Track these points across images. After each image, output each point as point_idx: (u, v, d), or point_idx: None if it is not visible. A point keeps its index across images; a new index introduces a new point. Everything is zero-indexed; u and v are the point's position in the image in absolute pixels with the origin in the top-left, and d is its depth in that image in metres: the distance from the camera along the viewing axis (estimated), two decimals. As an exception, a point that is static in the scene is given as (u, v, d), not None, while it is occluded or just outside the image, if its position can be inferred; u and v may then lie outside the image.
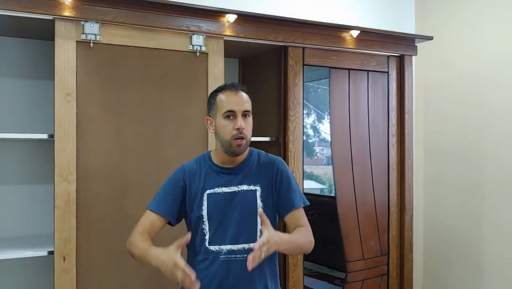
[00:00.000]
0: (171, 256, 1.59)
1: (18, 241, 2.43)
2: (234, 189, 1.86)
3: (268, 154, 1.98)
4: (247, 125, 1.83)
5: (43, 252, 2.21)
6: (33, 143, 2.58)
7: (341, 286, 2.97)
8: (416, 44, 3.14)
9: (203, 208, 1.84)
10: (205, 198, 1.85)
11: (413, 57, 3.17)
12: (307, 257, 2.78)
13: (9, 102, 2.55)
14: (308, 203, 1.95)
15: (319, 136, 3.46)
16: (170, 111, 2.41)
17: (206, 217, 1.83)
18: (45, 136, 2.24)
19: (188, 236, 1.68)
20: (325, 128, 3.29)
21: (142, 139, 2.35)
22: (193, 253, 1.89)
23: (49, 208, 2.29)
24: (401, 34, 3.06)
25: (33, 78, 2.59)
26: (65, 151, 2.17)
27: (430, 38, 3.13)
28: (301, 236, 1.84)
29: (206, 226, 1.83)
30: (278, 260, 2.70)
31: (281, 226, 2.14)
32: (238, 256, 1.81)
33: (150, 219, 1.85)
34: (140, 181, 2.33)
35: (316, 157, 3.43)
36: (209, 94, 1.95)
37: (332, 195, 3.70)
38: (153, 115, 2.38)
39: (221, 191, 1.85)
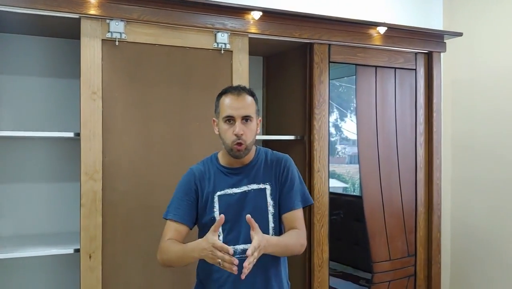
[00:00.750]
0: (210, 241, 1.61)
1: (45, 238, 2.45)
2: (244, 189, 1.87)
3: (275, 152, 1.98)
4: (246, 130, 1.81)
5: (69, 250, 2.23)
6: (60, 142, 2.60)
7: (367, 286, 2.92)
8: (445, 41, 3.06)
9: (215, 210, 1.86)
10: (216, 199, 1.86)
11: (441, 54, 3.09)
12: (332, 257, 2.74)
13: (35, 101, 2.57)
14: (311, 202, 1.98)
15: (341, 134, 3.42)
16: (195, 110, 2.40)
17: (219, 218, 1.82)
18: (71, 134, 2.25)
19: (222, 217, 1.66)
20: (347, 126, 3.25)
21: (167, 138, 2.34)
22: None
23: (75, 206, 2.30)
24: (430, 30, 2.98)
25: (59, 77, 2.61)
26: (91, 149, 2.18)
27: (460, 34, 3.05)
28: (291, 239, 1.85)
29: (219, 228, 1.81)
30: (303, 261, 2.69)
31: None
32: None
33: (172, 228, 1.86)
34: (165, 180, 2.32)
35: (338, 156, 3.39)
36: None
37: (356, 194, 3.66)
38: (178, 114, 2.37)
39: (231, 192, 1.86)
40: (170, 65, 2.35)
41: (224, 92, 1.88)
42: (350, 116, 3.23)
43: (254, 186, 1.88)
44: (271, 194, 1.89)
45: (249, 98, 1.85)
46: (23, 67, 2.55)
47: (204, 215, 1.88)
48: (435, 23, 3.64)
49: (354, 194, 3.68)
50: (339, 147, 3.44)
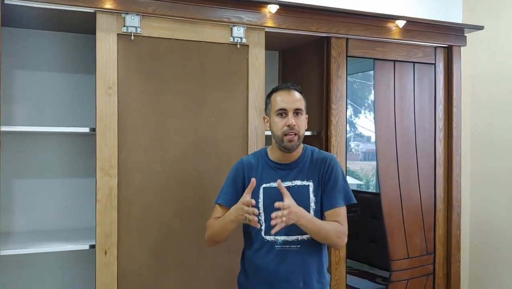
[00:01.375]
0: (242, 199, 1.83)
1: (60, 234, 2.45)
2: (288, 184, 1.96)
3: (321, 151, 2.09)
4: (299, 122, 1.94)
5: (85, 246, 2.22)
6: (75, 137, 2.59)
7: (385, 285, 2.88)
8: (465, 35, 2.99)
9: (259, 200, 1.96)
10: (261, 191, 1.97)
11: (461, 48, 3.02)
12: (348, 255, 2.69)
13: (51, 96, 2.56)
14: (354, 201, 2.04)
15: (355, 131, 3.38)
16: (210, 105, 2.37)
17: (262, 208, 1.96)
18: (86, 130, 2.24)
19: (253, 181, 1.84)
20: (361, 123, 3.21)
21: (183, 133, 2.32)
22: (249, 242, 2.03)
23: (91, 202, 2.29)
24: (450, 24, 2.92)
25: (75, 72, 2.60)
26: (106, 145, 2.16)
27: (481, 27, 2.98)
28: (328, 225, 1.95)
29: (262, 217, 1.96)
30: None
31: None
32: (292, 246, 1.95)
33: (219, 211, 2.02)
34: (181, 175, 2.31)
35: (351, 152, 3.35)
36: (266, 95, 2.09)
37: (372, 190, 3.61)
38: (193, 109, 2.34)
39: (276, 185, 1.92)
40: (185, 60, 2.32)
41: (275, 90, 2.02)
42: (364, 113, 3.19)
43: (298, 182, 1.98)
44: (313, 191, 1.97)
45: (298, 94, 1.98)
46: (39, 63, 2.54)
47: None
48: (455, 17, 3.57)
49: (371, 190, 3.64)
50: (352, 144, 3.40)
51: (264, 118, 2.06)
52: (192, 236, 2.32)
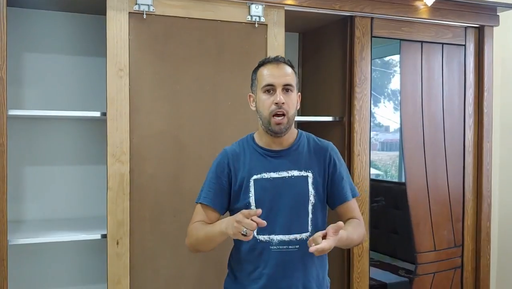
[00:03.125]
0: (232, 218, 1.56)
1: (71, 223, 2.37)
2: (283, 174, 1.73)
3: (318, 138, 1.85)
4: (288, 100, 1.68)
5: (97, 235, 2.13)
6: (87, 122, 2.50)
7: (409, 277, 2.75)
8: (498, 14, 2.81)
9: (250, 194, 1.72)
10: (251, 184, 1.72)
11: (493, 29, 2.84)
12: (370, 247, 2.57)
13: (62, 79, 2.47)
14: (358, 194, 1.87)
15: (374, 120, 3.26)
16: (226, 88, 2.25)
17: (254, 204, 1.71)
18: (97, 114, 2.14)
19: (259, 212, 1.52)
20: (381, 112, 3.08)
21: (198, 118, 2.21)
22: (239, 242, 1.75)
23: (102, 190, 2.20)
24: (482, 2, 2.73)
25: (86, 55, 2.50)
26: (118, 129, 2.06)
27: (515, 6, 2.80)
28: (356, 230, 1.73)
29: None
30: (341, 251, 2.53)
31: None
32: (290, 247, 1.71)
33: (201, 213, 1.77)
34: (195, 162, 2.20)
35: (371, 142, 3.25)
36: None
37: (395, 180, 3.48)
38: (209, 92, 2.23)
39: (269, 177, 1.72)
40: (201, 40, 2.20)
41: (262, 63, 1.76)
42: (384, 102, 3.06)
43: (295, 172, 1.74)
44: (313, 183, 1.74)
45: (289, 68, 1.73)
46: (48, 45, 2.45)
47: (238, 200, 1.75)
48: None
49: (393, 180, 3.51)
50: (372, 134, 3.30)
51: (249, 96, 1.79)
52: (208, 226, 2.22)
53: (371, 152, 2.54)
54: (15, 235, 2.06)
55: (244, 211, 1.52)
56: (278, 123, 1.67)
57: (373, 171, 3.38)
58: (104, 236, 2.10)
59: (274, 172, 1.73)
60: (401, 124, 2.67)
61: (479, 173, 2.81)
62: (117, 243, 2.07)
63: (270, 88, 1.68)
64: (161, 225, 2.16)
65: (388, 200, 3.02)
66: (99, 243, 2.22)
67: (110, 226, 2.06)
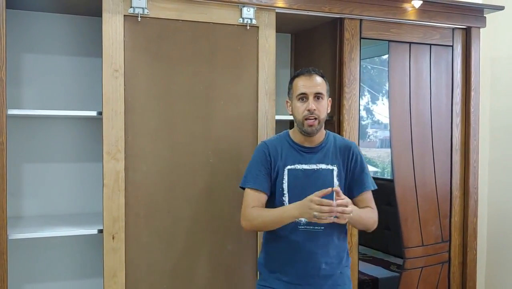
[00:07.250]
0: (308, 198, 1.81)
1: (69, 218, 2.44)
2: (313, 166, 2.02)
3: (343, 137, 2.18)
4: (319, 106, 1.98)
5: (93, 230, 2.20)
6: (84, 121, 2.56)
7: (398, 272, 2.82)
8: (485, 15, 2.88)
9: (284, 181, 2.00)
10: (285, 172, 2.01)
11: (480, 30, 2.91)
12: (361, 242, 2.64)
13: (59, 80, 2.53)
14: (376, 187, 2.12)
15: (373, 118, 3.31)
16: (219, 88, 2.32)
17: (287, 190, 1.99)
18: (94, 113, 2.20)
19: (329, 190, 1.80)
20: (379, 110, 3.13)
21: (191, 117, 2.28)
22: None
23: (98, 186, 2.26)
24: (469, 4, 2.81)
25: (82, 56, 2.56)
26: (113, 128, 2.13)
27: (501, 8, 2.87)
28: (367, 213, 2.04)
29: (286, 199, 1.99)
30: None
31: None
32: (316, 227, 1.97)
33: (253, 196, 2.00)
34: (189, 159, 2.27)
35: (369, 140, 3.28)
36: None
37: (387, 177, 3.54)
38: (202, 92, 2.30)
39: (300, 168, 2.01)
40: (193, 42, 2.27)
41: (296, 75, 2.04)
42: (382, 99, 3.11)
43: (323, 166, 2.02)
44: (337, 176, 2.03)
45: (320, 79, 2.01)
46: (46, 46, 2.51)
47: (275, 186, 2.02)
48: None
49: (385, 177, 3.57)
50: (370, 131, 3.33)
51: (287, 102, 2.09)
52: (200, 221, 2.29)
53: (370, 149, 2.67)
54: (14, 230, 2.12)
55: (314, 199, 1.78)
56: (310, 125, 1.97)
57: (371, 168, 3.44)
58: (100, 231, 2.17)
59: (305, 164, 2.02)
60: (390, 122, 2.73)
61: (466, 170, 2.88)
62: (113, 238, 2.14)
63: (303, 96, 1.98)
64: (156, 220, 2.23)
65: (380, 197, 3.07)
66: (95, 238, 2.28)
67: (106, 221, 2.13)
